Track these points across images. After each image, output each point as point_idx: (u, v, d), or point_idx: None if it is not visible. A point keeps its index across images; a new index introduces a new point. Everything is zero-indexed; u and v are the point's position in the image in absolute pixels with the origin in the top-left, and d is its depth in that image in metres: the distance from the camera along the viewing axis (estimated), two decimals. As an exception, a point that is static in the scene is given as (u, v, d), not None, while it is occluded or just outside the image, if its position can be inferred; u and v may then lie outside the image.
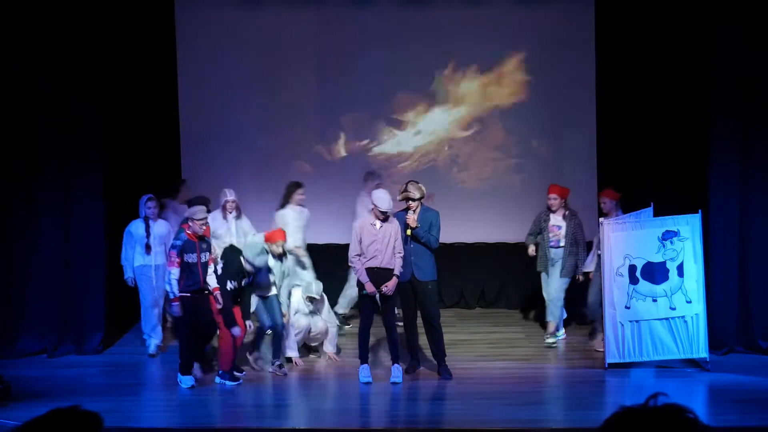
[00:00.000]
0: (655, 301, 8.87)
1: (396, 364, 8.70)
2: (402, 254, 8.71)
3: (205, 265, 8.40)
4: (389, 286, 8.62)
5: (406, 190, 8.81)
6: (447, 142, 11.50)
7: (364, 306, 8.79)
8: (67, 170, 9.72)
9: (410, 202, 8.75)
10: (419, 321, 9.00)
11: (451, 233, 11.27)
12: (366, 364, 8.69)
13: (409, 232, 8.73)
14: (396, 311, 9.06)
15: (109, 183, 10.30)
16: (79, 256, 9.75)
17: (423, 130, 11.48)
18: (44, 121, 9.60)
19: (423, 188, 8.87)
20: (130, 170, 11.37)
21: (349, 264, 8.85)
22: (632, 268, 8.89)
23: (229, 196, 9.89)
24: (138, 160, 11.41)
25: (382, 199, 8.60)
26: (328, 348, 9.40)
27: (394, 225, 8.70)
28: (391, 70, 11.33)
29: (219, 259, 8.71)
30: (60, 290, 9.73)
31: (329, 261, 11.23)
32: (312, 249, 11.42)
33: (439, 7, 11.24)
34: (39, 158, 9.65)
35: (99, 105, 9.88)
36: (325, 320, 9.45)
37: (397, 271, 8.66)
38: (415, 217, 8.75)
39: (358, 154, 11.51)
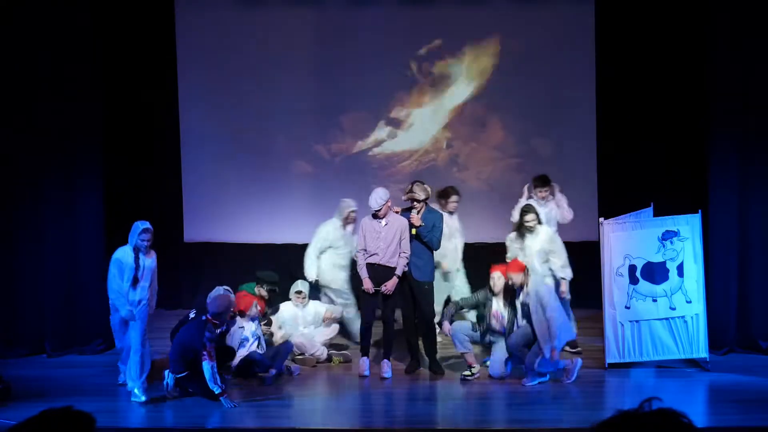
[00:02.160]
0: (655, 301, 8.87)
1: (385, 360, 8.85)
2: (407, 254, 8.75)
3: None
4: (388, 286, 8.72)
5: (411, 191, 8.87)
6: (447, 142, 11.50)
7: (365, 301, 8.92)
8: (69, 171, 9.73)
9: (415, 203, 8.83)
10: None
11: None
12: (366, 357, 8.87)
13: (414, 231, 8.80)
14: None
15: (110, 184, 10.32)
16: (80, 256, 9.76)
17: (423, 130, 11.49)
18: (45, 121, 9.60)
19: (428, 189, 8.94)
20: (130, 170, 11.39)
21: (354, 257, 8.97)
22: (632, 268, 8.89)
23: (354, 206, 9.71)
24: (138, 160, 11.43)
25: (371, 198, 8.74)
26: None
27: (400, 224, 8.76)
28: (390, 69, 11.33)
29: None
30: (61, 290, 9.74)
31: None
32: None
33: (439, 7, 11.24)
34: (41, 159, 9.65)
35: (99, 105, 9.89)
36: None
37: (399, 272, 8.73)
38: (419, 216, 8.82)
39: (358, 154, 11.52)
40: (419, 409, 8.00)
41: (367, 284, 8.77)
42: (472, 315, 9.02)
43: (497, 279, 8.57)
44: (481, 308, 8.67)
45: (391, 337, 8.92)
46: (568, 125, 11.33)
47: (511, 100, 11.38)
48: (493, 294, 8.64)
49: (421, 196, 8.80)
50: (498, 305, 8.63)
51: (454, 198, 9.76)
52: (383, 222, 8.76)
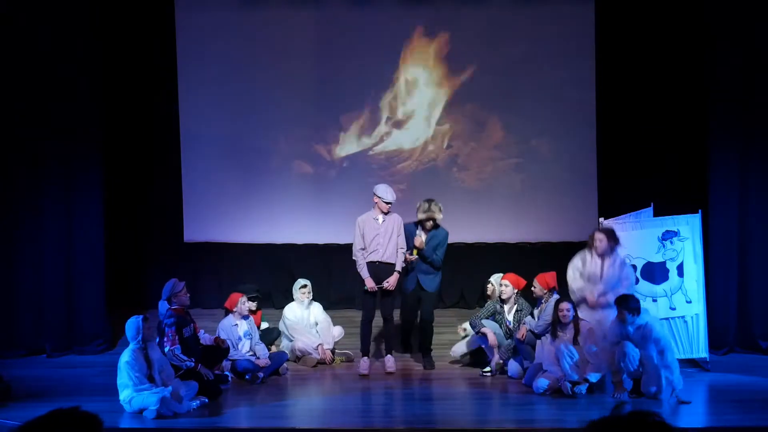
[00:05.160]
0: (655, 301, 8.87)
1: (389, 355, 9.05)
2: (405, 250, 8.97)
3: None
4: (390, 282, 8.88)
5: (429, 210, 9.07)
6: (447, 142, 11.49)
7: (365, 300, 9.03)
8: (68, 171, 9.73)
9: (430, 221, 9.08)
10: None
11: (451, 233, 11.29)
12: (366, 357, 9.01)
13: (415, 252, 9.03)
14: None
15: (110, 184, 10.32)
16: (80, 256, 9.76)
17: (423, 130, 11.47)
18: (45, 121, 9.61)
19: (442, 207, 9.18)
20: (130, 170, 11.39)
21: (353, 258, 9.02)
22: (632, 268, 8.89)
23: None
24: (138, 160, 11.43)
25: (388, 191, 8.88)
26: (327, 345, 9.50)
27: (396, 220, 8.96)
28: (390, 69, 11.32)
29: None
30: (60, 290, 9.74)
31: (328, 261, 11.25)
32: (312, 248, 11.45)
33: (438, 7, 11.23)
34: (40, 159, 9.66)
35: (99, 105, 9.89)
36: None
37: (398, 267, 8.93)
38: (423, 239, 9.05)
39: (358, 153, 11.51)
40: (418, 409, 8.00)
41: (370, 283, 8.88)
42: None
43: (504, 287, 8.91)
44: (497, 317, 8.97)
45: (393, 332, 9.14)
46: (568, 125, 11.32)
47: (511, 100, 11.36)
48: (503, 302, 8.97)
49: (439, 216, 9.10)
50: (508, 313, 8.95)
51: (599, 236, 8.53)
52: (380, 219, 8.90)
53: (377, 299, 9.03)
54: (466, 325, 9.36)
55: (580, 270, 8.58)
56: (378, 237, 8.89)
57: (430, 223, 9.08)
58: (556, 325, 8.25)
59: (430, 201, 9.15)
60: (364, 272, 8.90)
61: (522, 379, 8.54)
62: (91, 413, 2.52)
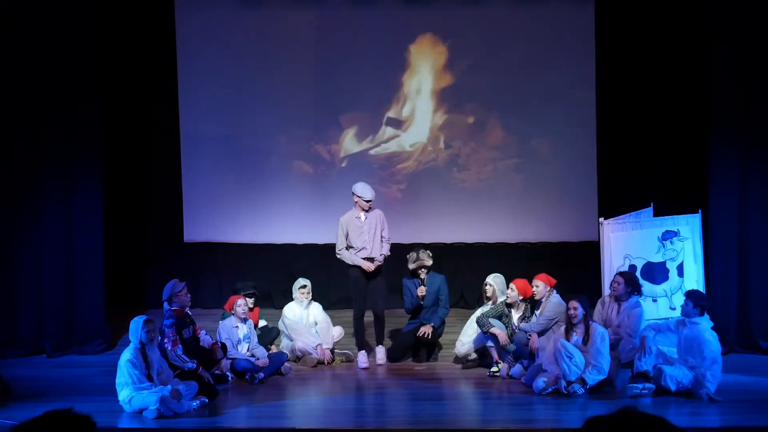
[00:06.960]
0: (655, 301, 8.87)
1: (379, 346, 9.20)
2: (390, 240, 9.15)
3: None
4: (384, 253, 9.10)
5: (419, 259, 9.22)
6: (447, 142, 11.49)
7: (356, 294, 9.16)
8: (68, 171, 9.73)
9: (422, 270, 9.23)
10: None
11: (451, 233, 11.30)
12: (363, 350, 9.19)
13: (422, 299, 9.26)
14: None
15: (110, 184, 10.32)
16: (80, 256, 9.76)
17: (423, 130, 11.48)
18: (45, 121, 9.60)
19: (430, 253, 9.33)
20: (130, 170, 11.39)
21: (337, 256, 9.18)
22: (632, 268, 8.90)
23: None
24: (138, 160, 11.43)
25: (366, 189, 9.02)
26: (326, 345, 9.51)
27: (378, 215, 9.12)
28: (390, 69, 11.33)
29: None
30: (60, 290, 9.74)
31: (328, 261, 11.23)
32: (312, 248, 11.45)
33: (439, 7, 11.23)
34: (40, 159, 9.65)
35: (99, 105, 9.89)
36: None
37: (385, 252, 9.12)
38: (425, 288, 9.24)
39: (358, 153, 11.51)
40: (418, 409, 8.00)
41: (366, 264, 9.01)
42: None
43: (510, 291, 8.87)
44: (504, 319, 8.92)
45: (384, 327, 9.26)
46: (568, 125, 11.33)
47: (511, 100, 11.37)
48: (508, 306, 8.92)
49: (429, 262, 9.23)
50: (514, 317, 8.91)
51: (618, 279, 8.59)
52: (363, 217, 9.04)
53: (367, 296, 9.14)
54: (458, 343, 9.31)
55: (600, 312, 8.64)
56: (363, 234, 9.03)
57: (423, 271, 9.26)
58: (568, 325, 8.22)
59: (417, 250, 9.35)
60: (357, 260, 9.04)
61: (522, 378, 8.53)
62: (84, 414, 2.52)
